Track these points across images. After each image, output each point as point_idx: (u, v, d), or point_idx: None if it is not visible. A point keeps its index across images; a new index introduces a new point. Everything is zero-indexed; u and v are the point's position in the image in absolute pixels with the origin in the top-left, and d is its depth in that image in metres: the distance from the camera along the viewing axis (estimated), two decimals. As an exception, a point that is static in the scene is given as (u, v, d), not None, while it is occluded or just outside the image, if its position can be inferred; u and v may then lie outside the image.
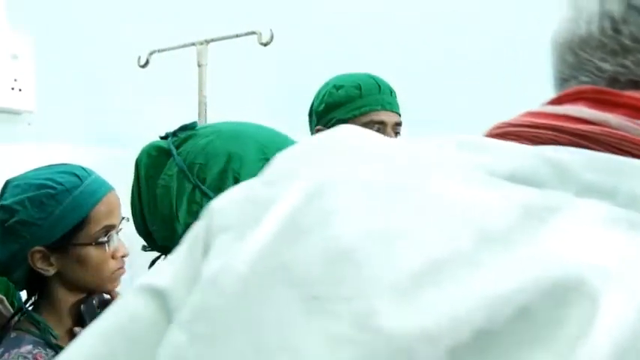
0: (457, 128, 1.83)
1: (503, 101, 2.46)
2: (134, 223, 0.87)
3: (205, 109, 1.90)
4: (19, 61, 1.59)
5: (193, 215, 0.77)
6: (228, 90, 2.28)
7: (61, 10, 1.75)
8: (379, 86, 1.40)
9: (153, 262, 0.86)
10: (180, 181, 0.79)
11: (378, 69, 1.64)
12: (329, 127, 1.35)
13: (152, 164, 0.83)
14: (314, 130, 1.43)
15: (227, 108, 2.11)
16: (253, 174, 0.75)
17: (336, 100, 1.37)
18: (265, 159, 0.78)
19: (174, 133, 0.84)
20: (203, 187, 0.77)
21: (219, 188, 0.77)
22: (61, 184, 1.07)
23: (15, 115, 1.62)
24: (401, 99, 1.83)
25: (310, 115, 1.46)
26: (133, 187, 0.85)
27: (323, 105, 1.39)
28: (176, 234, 0.79)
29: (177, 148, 0.82)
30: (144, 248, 0.86)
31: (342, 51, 2.51)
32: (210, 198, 0.76)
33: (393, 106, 1.41)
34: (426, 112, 2.55)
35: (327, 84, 1.44)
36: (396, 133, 1.40)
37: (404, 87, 2.44)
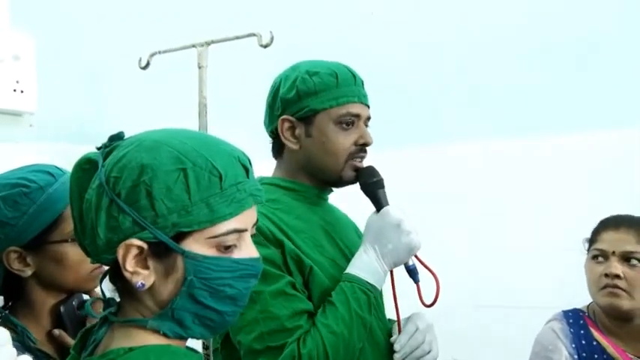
0: (457, 128, 1.84)
1: (501, 102, 2.48)
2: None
3: (206, 111, 1.91)
4: (20, 63, 1.60)
5: (112, 231, 0.75)
6: (228, 92, 2.29)
7: (63, 12, 1.77)
8: (354, 77, 1.30)
9: (104, 276, 0.85)
10: (99, 196, 0.76)
11: (378, 70, 1.65)
12: (299, 117, 1.26)
13: (85, 178, 0.80)
14: (277, 120, 1.28)
15: (227, 110, 2.12)
16: (166, 185, 0.74)
17: (311, 87, 1.25)
18: (182, 169, 0.75)
19: (106, 145, 0.81)
20: (119, 201, 0.74)
21: (133, 202, 0.74)
22: (34, 182, 1.05)
23: (17, 117, 1.63)
24: (396, 101, 1.85)
25: (273, 102, 1.31)
26: (70, 201, 0.82)
27: (294, 92, 1.26)
28: (99, 249, 0.77)
29: (104, 159, 0.79)
30: (91, 261, 0.83)
31: (342, 52, 2.52)
32: (125, 213, 0.74)
33: (367, 99, 1.31)
34: (426, 113, 2.56)
35: (295, 68, 1.31)
36: (366, 127, 1.31)
37: (403, 88, 2.46)
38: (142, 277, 0.76)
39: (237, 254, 0.79)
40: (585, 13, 2.32)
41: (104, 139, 0.82)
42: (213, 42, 1.92)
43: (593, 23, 2.30)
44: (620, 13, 2.28)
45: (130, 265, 0.76)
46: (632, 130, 2.23)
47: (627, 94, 2.24)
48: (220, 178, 0.76)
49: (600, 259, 1.46)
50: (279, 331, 1.13)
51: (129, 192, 0.74)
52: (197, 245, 0.76)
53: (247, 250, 0.81)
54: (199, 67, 1.92)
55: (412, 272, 1.26)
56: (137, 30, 2.01)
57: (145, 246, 0.75)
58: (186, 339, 0.83)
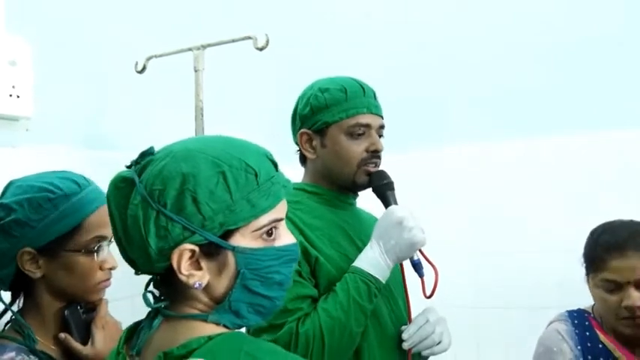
0: (456, 129, 1.84)
1: (501, 106, 2.48)
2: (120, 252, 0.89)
3: (202, 114, 1.91)
4: (17, 68, 1.59)
5: (163, 240, 0.79)
6: (224, 95, 2.29)
7: (59, 17, 1.76)
8: (363, 89, 1.41)
9: (148, 283, 0.89)
10: (144, 209, 0.80)
11: (373, 73, 1.65)
12: (315, 130, 1.39)
13: (121, 195, 0.83)
14: (297, 134, 1.44)
15: (224, 113, 2.12)
16: (209, 189, 0.79)
17: (322, 102, 1.39)
18: (220, 172, 0.80)
19: (137, 161, 0.86)
20: (166, 211, 0.79)
21: (180, 210, 0.79)
22: (60, 189, 1.09)
23: (13, 122, 1.63)
24: (395, 103, 1.85)
25: (294, 118, 1.47)
26: (110, 219, 0.86)
27: (308, 108, 1.40)
28: (151, 259, 0.81)
29: (139, 175, 0.83)
30: (136, 273, 0.88)
31: (337, 55, 2.52)
32: (174, 221, 0.79)
33: (377, 109, 1.42)
34: (422, 116, 2.56)
35: (311, 87, 1.45)
36: (380, 136, 1.42)
37: (398, 91, 2.46)
38: (198, 277, 0.81)
39: (278, 242, 0.86)
40: (589, 13, 2.31)
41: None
42: (209, 45, 1.92)
43: (594, 22, 2.31)
44: (626, 12, 2.27)
45: (184, 268, 0.80)
46: (633, 130, 2.22)
47: (629, 93, 2.24)
48: (256, 175, 0.82)
49: (612, 288, 1.39)
50: (281, 311, 1.21)
51: (174, 201, 0.79)
52: (244, 239, 0.82)
53: (286, 237, 0.88)
54: (195, 71, 1.92)
55: (417, 267, 1.34)
56: (133, 34, 2.01)
57: (197, 248, 0.80)
58: (241, 327, 0.89)
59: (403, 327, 1.35)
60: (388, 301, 1.39)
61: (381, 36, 2.63)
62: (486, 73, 2.47)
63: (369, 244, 1.33)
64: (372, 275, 1.28)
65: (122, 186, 0.84)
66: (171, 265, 0.80)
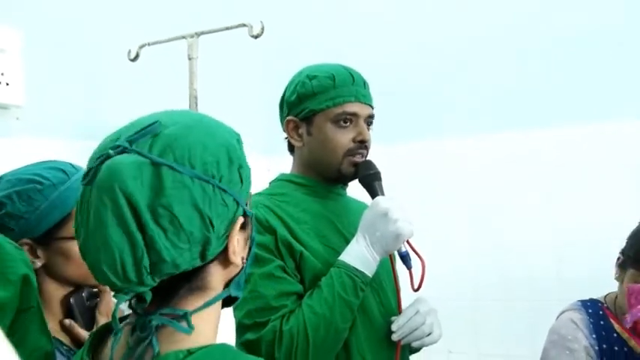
0: (456, 123, 1.82)
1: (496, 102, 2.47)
2: (122, 278, 0.70)
3: (196, 103, 1.89)
4: (6, 55, 1.57)
5: (221, 218, 0.71)
6: (219, 83, 2.26)
7: (50, 4, 1.73)
8: (353, 77, 1.37)
9: (117, 305, 0.75)
10: (201, 189, 0.69)
11: (368, 61, 1.63)
12: (301, 118, 1.36)
13: (145, 186, 0.67)
14: (285, 121, 1.40)
15: (218, 101, 2.10)
16: (241, 156, 0.76)
17: (309, 90, 1.35)
18: (238, 139, 0.78)
19: (132, 142, 0.70)
20: (221, 184, 0.71)
21: (230, 181, 0.73)
22: (48, 179, 1.10)
23: (3, 110, 1.61)
24: (390, 91, 1.84)
25: (281, 105, 1.43)
26: (117, 229, 0.67)
27: (295, 95, 1.37)
28: (210, 246, 0.71)
29: (159, 156, 0.69)
30: (125, 292, 0.71)
31: (332, 43, 2.50)
32: (229, 194, 0.72)
33: (366, 99, 1.37)
34: (416, 107, 2.55)
35: (299, 73, 1.41)
36: (369, 124, 1.38)
37: (392, 80, 2.44)
38: (241, 254, 0.77)
39: None
40: (587, 8, 2.30)
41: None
42: (203, 33, 1.90)
43: (592, 17, 2.29)
44: (625, 7, 2.26)
45: (238, 246, 0.75)
46: (631, 122, 2.22)
47: (626, 87, 2.24)
48: (238, 140, 0.80)
49: None
50: (265, 309, 1.22)
51: (228, 172, 0.73)
52: (247, 206, 0.78)
53: None
54: (189, 59, 1.90)
55: (404, 259, 1.31)
56: (126, 21, 1.98)
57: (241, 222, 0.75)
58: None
59: (393, 318, 1.32)
60: (377, 293, 1.36)
61: (378, 23, 2.61)
62: (486, 68, 2.45)
63: (355, 236, 1.29)
64: (357, 269, 1.25)
65: (137, 174, 0.67)
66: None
